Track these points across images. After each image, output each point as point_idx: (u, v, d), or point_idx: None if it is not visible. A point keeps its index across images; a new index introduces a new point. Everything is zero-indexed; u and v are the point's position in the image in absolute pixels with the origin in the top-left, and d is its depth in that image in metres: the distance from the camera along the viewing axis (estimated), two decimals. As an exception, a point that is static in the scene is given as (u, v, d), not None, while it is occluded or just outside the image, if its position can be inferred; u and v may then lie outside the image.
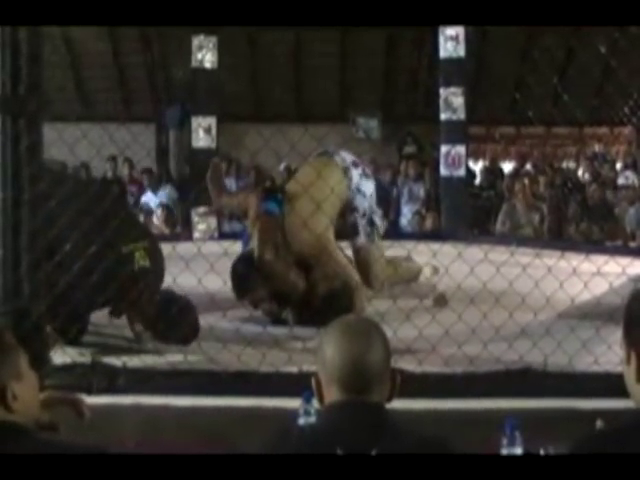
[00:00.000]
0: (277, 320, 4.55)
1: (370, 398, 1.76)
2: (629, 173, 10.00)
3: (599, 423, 2.15)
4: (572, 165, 12.54)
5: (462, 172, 7.82)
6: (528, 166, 11.75)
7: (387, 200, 9.94)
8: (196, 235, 7.70)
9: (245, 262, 4.53)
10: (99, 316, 4.07)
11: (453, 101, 7.64)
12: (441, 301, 4.86)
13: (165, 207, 9.22)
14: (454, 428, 2.73)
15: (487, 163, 11.99)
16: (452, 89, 7.63)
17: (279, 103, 11.71)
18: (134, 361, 3.51)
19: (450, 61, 7.62)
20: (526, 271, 4.08)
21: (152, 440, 2.93)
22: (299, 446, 1.72)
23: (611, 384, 2.95)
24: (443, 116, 7.72)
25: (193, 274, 3.81)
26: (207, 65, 8.16)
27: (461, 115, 7.68)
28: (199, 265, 4.00)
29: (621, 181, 9.84)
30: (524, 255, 4.73)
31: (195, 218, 7.92)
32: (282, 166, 9.63)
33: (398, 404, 1.83)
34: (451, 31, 7.53)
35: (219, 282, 4.30)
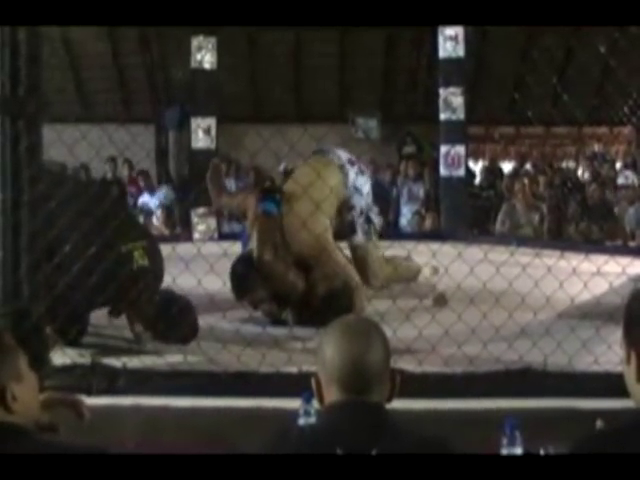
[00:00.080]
0: (277, 320, 4.55)
1: (370, 398, 1.76)
2: (629, 173, 10.02)
3: (599, 423, 2.15)
4: (572, 165, 12.54)
5: (462, 172, 7.82)
6: (528, 166, 11.76)
7: (387, 200, 9.95)
8: (196, 236, 7.70)
9: (244, 263, 4.53)
10: (99, 317, 4.07)
11: (452, 101, 7.64)
12: (441, 301, 4.86)
13: (165, 208, 9.23)
14: (454, 428, 2.73)
15: (487, 163, 11.99)
16: (451, 89, 7.63)
17: (278, 103, 11.72)
18: (134, 362, 3.51)
19: (449, 61, 7.62)
20: (526, 271, 4.07)
21: (152, 441, 2.93)
22: (299, 447, 1.71)
23: (611, 384, 2.95)
24: (442, 116, 7.72)
25: (193, 275, 3.81)
26: (206, 66, 8.16)
27: (460, 115, 7.68)
28: (199, 266, 4.00)
29: (621, 181, 9.85)
30: (524, 255, 4.73)
31: (195, 219, 7.92)
32: (281, 167, 9.62)
33: (398, 404, 1.83)
34: (450, 31, 7.53)
35: (219, 283, 4.30)
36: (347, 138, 10.64)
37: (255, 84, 11.91)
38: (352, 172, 4.78)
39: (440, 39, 7.60)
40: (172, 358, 3.63)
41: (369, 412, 1.75)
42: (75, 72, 11.78)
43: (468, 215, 8.10)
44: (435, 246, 4.88)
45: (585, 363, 3.45)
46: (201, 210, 7.83)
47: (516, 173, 11.03)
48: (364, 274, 4.79)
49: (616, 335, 1.84)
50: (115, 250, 3.73)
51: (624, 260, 5.20)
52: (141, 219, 8.46)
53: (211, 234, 7.79)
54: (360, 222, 4.83)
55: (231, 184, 9.81)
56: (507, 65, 11.11)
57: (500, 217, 8.76)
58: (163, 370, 3.44)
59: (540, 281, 4.06)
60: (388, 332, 1.91)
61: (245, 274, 4.49)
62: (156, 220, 9.14)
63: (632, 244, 8.07)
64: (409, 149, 12.22)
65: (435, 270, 5.19)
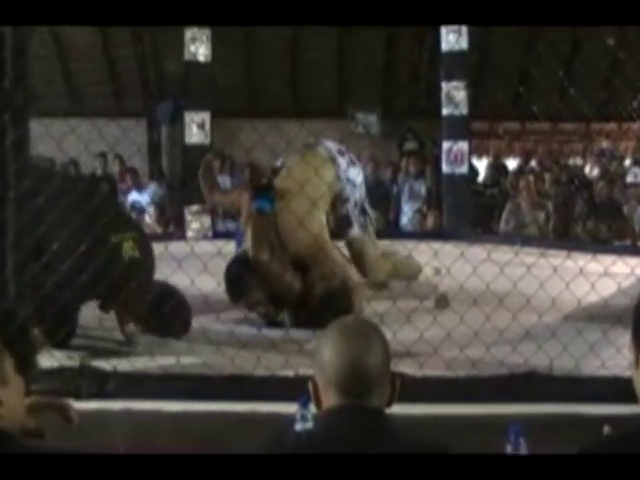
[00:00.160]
0: (273, 322, 4.55)
1: (369, 403, 1.75)
2: (638, 170, 10.02)
3: (607, 429, 2.16)
4: (579, 162, 12.55)
5: (464, 169, 7.82)
6: (533, 163, 11.76)
7: (387, 198, 9.96)
8: (189, 234, 7.70)
9: (240, 264, 4.53)
10: (88, 318, 4.07)
11: (455, 95, 7.64)
12: (442, 302, 4.86)
13: (157, 206, 9.23)
14: (456, 434, 2.73)
15: (490, 160, 11.99)
16: (454, 83, 7.63)
17: (275, 98, 11.71)
18: (124, 365, 3.51)
19: (452, 54, 7.61)
20: (531, 271, 4.07)
21: (143, 447, 2.93)
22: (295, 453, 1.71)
23: (619, 389, 2.95)
24: (445, 111, 7.72)
25: (186, 274, 3.81)
26: (200, 58, 8.14)
27: (463, 110, 7.68)
28: (192, 265, 4.00)
29: (630, 178, 9.86)
30: (529, 255, 4.73)
31: (188, 217, 7.92)
32: (279, 163, 9.62)
33: (398, 409, 1.83)
34: (453, 23, 7.52)
35: (213, 283, 4.30)
36: (346, 133, 10.63)
37: (251, 77, 11.90)
38: (343, 163, 4.79)
39: (442, 31, 7.59)
40: (164, 361, 3.63)
41: (368, 417, 1.75)
42: (64, 64, 11.76)
43: (471, 214, 8.10)
44: (437, 245, 4.87)
45: (592, 367, 3.46)
46: (195, 208, 7.83)
47: (521, 170, 11.03)
48: (362, 268, 4.81)
49: (625, 338, 1.84)
50: (104, 241, 3.74)
51: (633, 260, 5.20)
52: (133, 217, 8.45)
53: (205, 232, 7.79)
54: (356, 214, 4.84)
55: (226, 181, 9.80)
56: (512, 58, 11.11)
57: (504, 216, 8.76)
58: (155, 373, 3.44)
59: (546, 282, 4.06)
60: (388, 334, 1.90)
61: (241, 276, 4.48)
62: (148, 218, 9.14)
63: (641, 244, 8.08)
64: (410, 145, 12.21)
65: (437, 270, 5.20)
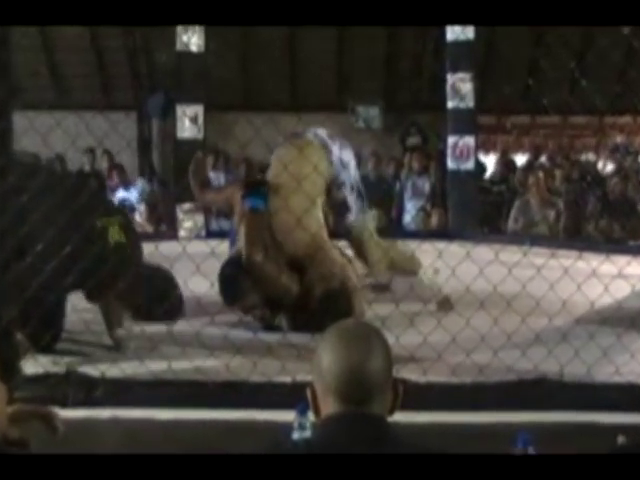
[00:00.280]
0: (269, 326, 4.55)
1: (370, 410, 1.75)
2: (653, 166, 10.03)
3: (621, 439, 2.15)
4: (591, 157, 12.55)
5: (471, 165, 7.83)
6: (543, 158, 11.77)
7: (389, 195, 9.96)
8: (181, 233, 7.70)
9: (234, 266, 4.52)
10: (74, 323, 4.07)
11: (461, 88, 7.64)
12: (445, 305, 4.86)
13: (148, 204, 9.23)
14: (461, 443, 2.73)
15: (498, 155, 11.99)
16: (460, 74, 7.63)
17: (272, 90, 11.70)
18: (113, 370, 3.51)
19: (458, 44, 7.61)
20: (541, 273, 4.07)
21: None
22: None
23: (634, 396, 2.96)
24: (450, 104, 7.72)
25: (178, 275, 3.81)
26: (193, 49, 8.13)
27: (470, 103, 7.68)
28: (184, 266, 4.00)
29: (645, 175, 9.86)
30: (538, 255, 4.73)
31: (180, 215, 7.92)
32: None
33: (401, 417, 1.83)
34: (459, 11, 7.53)
35: (206, 284, 4.30)
36: (346, 128, 10.62)
37: (246, 69, 11.90)
38: (335, 147, 4.81)
39: (448, 20, 7.61)
40: (155, 366, 3.63)
41: (369, 425, 1.75)
42: (49, 55, 11.76)
43: (477, 212, 8.11)
44: (441, 245, 4.88)
45: (605, 373, 3.46)
46: (187, 206, 7.82)
47: (530, 166, 11.04)
48: (363, 257, 4.83)
49: (639, 343, 1.84)
50: (90, 227, 3.75)
51: (648, 261, 5.21)
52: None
53: (198, 231, 7.79)
54: (353, 198, 4.87)
55: (220, 178, 9.80)
56: (521, 48, 11.11)
57: (513, 214, 8.76)
58: (145, 379, 3.44)
59: (556, 284, 4.06)
60: (390, 338, 1.90)
61: (235, 278, 4.47)
62: (139, 216, 9.14)
63: (657, 244, 8.07)
64: (414, 140, 12.22)
65: (436, 270, 5.19)
